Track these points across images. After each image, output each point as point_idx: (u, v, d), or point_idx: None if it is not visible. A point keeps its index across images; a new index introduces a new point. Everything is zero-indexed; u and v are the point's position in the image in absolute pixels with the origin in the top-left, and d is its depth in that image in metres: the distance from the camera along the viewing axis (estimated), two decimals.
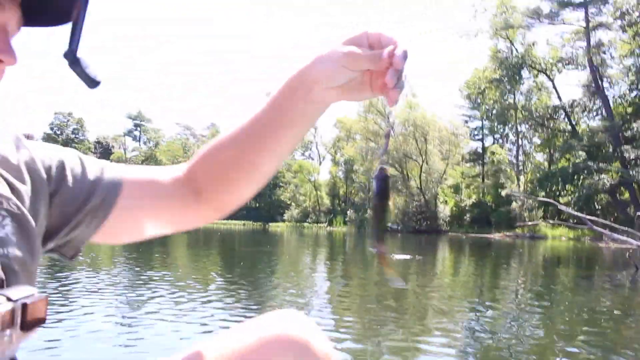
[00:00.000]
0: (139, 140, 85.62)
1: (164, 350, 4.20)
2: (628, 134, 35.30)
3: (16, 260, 0.82)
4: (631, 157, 35.84)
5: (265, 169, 1.05)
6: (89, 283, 8.01)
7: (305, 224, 62.46)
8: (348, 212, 61.29)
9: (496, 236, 37.15)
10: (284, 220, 65.64)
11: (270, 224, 62.54)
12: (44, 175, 0.94)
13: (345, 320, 5.90)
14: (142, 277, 9.24)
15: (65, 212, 0.96)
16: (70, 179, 0.98)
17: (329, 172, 71.31)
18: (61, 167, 0.97)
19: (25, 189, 0.89)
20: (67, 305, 6.08)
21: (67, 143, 75.94)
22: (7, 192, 0.85)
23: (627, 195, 37.49)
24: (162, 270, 10.48)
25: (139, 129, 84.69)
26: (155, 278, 8.97)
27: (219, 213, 1.12)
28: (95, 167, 1.02)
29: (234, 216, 67.11)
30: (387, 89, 0.86)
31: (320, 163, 77.73)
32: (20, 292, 0.74)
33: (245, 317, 5.66)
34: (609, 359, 4.47)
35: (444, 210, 51.67)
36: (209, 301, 6.62)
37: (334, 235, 39.44)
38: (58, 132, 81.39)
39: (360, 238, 33.47)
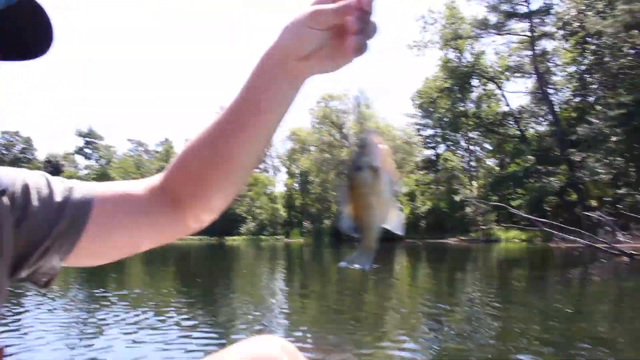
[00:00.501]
0: (91, 158, 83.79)
1: None
2: (573, 137, 36.47)
3: None
4: (577, 160, 37.06)
5: (241, 164, 0.95)
6: (40, 303, 7.78)
7: (262, 237, 62.10)
8: (304, 223, 61.28)
9: (451, 241, 37.75)
10: (240, 234, 65.06)
11: (227, 237, 61.89)
12: (8, 203, 0.88)
13: (307, 334, 5.90)
14: (97, 297, 9.02)
15: (32, 240, 0.89)
16: (35, 203, 0.91)
17: (285, 184, 71.19)
18: (25, 191, 0.90)
19: None
20: (17, 330, 5.90)
21: (14, 162, 73.71)
22: None
23: (574, 196, 38.70)
24: (118, 290, 10.27)
25: (90, 146, 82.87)
26: (110, 298, 8.76)
27: (200, 221, 1.03)
28: (63, 188, 0.96)
29: None
30: (349, 34, 0.77)
31: (275, 175, 77.62)
32: None
33: (207, 336, 5.60)
34: (563, 356, 4.60)
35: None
36: (167, 322, 6.50)
37: (291, 247, 39.36)
38: (5, 152, 78.93)
39: (317, 249, 33.48)
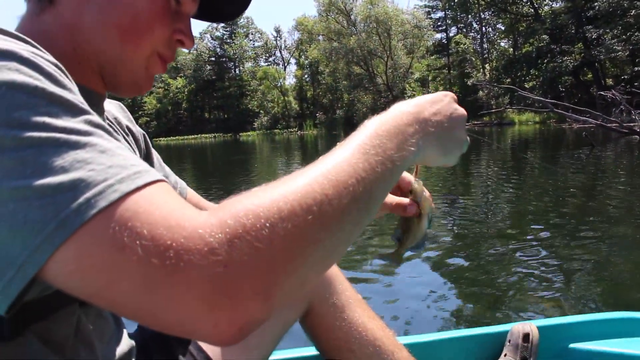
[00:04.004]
0: None
1: None
2: (590, 13, 35.16)
3: None
4: (593, 37, 35.97)
5: None
6: None
7: (276, 131, 62.41)
8: (317, 114, 61.26)
9: (465, 125, 37.64)
10: (254, 129, 65.39)
11: (241, 133, 62.29)
12: (143, 146, 1.01)
13: None
14: None
15: None
16: (154, 158, 1.04)
17: (295, 76, 70.47)
18: (147, 144, 1.03)
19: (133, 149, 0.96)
20: None
21: None
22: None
23: (590, 75, 37.96)
24: None
25: None
26: None
27: None
28: (168, 170, 1.08)
29: (203, 130, 66.54)
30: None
31: (284, 68, 76.56)
32: None
33: None
34: (571, 228, 4.86)
35: None
36: None
37: (305, 138, 39.63)
38: None
39: (331, 139, 33.72)
